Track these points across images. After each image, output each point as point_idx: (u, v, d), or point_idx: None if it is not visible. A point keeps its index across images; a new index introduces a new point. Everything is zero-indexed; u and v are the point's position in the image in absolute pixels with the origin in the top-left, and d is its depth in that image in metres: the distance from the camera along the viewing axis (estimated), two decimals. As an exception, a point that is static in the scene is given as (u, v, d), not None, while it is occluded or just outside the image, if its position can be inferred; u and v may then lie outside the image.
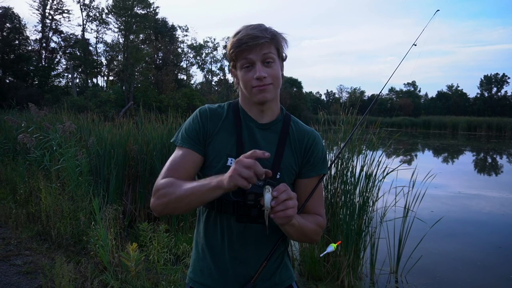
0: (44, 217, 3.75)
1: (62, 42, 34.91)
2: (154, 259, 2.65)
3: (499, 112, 55.68)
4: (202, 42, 48.19)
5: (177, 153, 1.12)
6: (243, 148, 1.09)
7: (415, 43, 1.51)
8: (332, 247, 1.17)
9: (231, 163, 1.08)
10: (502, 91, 69.27)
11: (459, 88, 74.43)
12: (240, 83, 1.10)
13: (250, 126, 1.13)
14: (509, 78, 68.94)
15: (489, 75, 70.21)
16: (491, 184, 9.73)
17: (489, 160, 15.73)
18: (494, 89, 69.62)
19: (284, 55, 1.11)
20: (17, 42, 31.47)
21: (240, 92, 1.15)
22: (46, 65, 33.28)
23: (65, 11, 33.81)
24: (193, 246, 1.20)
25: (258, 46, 1.03)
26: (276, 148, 1.11)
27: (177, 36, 42.92)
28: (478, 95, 70.99)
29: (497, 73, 69.65)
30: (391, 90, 77.65)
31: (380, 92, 1.57)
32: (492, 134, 35.08)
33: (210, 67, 49.95)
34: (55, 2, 33.24)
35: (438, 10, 1.56)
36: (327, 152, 3.58)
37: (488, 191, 8.22)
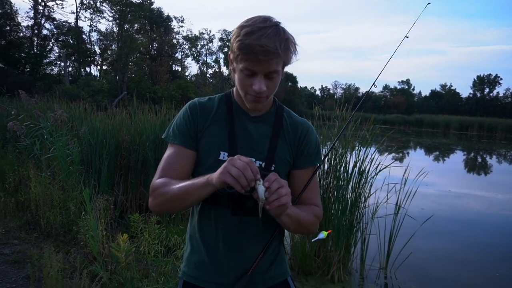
0: (34, 206, 3.70)
1: (54, 30, 34.30)
2: (144, 251, 2.64)
3: (490, 113, 56.30)
4: (197, 34, 47.88)
5: (169, 150, 1.11)
6: (235, 141, 1.07)
7: (407, 35, 1.50)
8: (323, 234, 1.17)
9: (223, 157, 1.06)
10: (494, 92, 70.20)
11: (452, 88, 75.22)
12: (236, 82, 1.06)
13: (242, 119, 1.11)
14: (501, 79, 69.86)
15: (482, 75, 71.01)
16: (480, 183, 9.86)
17: (479, 159, 15.93)
18: (487, 90, 70.43)
19: (288, 64, 1.05)
20: (8, 28, 30.85)
21: (235, 85, 1.12)
22: (38, 52, 32.71)
23: (59, -2, 33.17)
24: (186, 240, 1.18)
25: (267, 61, 0.95)
26: (270, 140, 1.10)
27: (172, 27, 42.56)
28: (471, 95, 71.75)
29: (490, 74, 70.48)
30: (385, 87, 78.09)
31: (370, 88, 1.56)
32: (483, 134, 35.50)
33: (205, 59, 49.70)
34: (48, -12, 32.59)
35: (429, 3, 1.56)
36: (322, 147, 3.59)
37: (477, 191, 8.34)
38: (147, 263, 2.69)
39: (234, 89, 1.15)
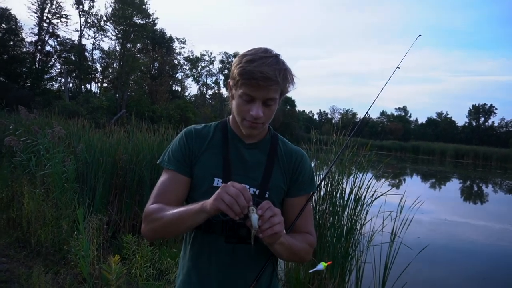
0: (25, 223, 3.64)
1: (58, 46, 34.79)
2: (136, 273, 2.59)
3: (486, 142, 56.80)
4: (198, 55, 48.59)
5: (164, 176, 1.12)
6: (230, 168, 1.08)
7: (398, 66, 1.56)
8: (322, 265, 1.15)
9: (217, 183, 1.07)
10: (490, 121, 70.98)
11: (448, 116, 76.03)
12: (234, 107, 1.08)
13: (237, 146, 1.13)
14: (496, 109, 70.79)
15: (477, 105, 71.98)
16: (477, 212, 9.83)
17: (475, 188, 15.94)
18: (482, 119, 71.27)
19: (285, 93, 1.09)
20: (11, 43, 31.26)
21: (232, 112, 1.14)
22: (39, 68, 33.03)
23: (63, 16, 33.83)
24: (179, 268, 1.17)
25: (266, 88, 1.00)
26: (265, 167, 1.11)
27: (174, 47, 43.19)
28: (467, 124, 72.51)
29: (485, 104, 71.48)
30: (383, 113, 78.93)
31: (364, 115, 1.59)
32: (479, 162, 35.67)
33: (205, 80, 50.20)
34: (53, 7, 33.28)
35: (419, 35, 1.62)
36: (318, 172, 3.60)
37: (473, 220, 8.30)
38: (138, 286, 2.63)
39: (231, 117, 1.17)
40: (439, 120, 75.72)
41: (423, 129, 73.00)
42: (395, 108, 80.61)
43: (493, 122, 71.07)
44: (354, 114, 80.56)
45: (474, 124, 71.48)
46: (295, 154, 1.17)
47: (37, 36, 33.13)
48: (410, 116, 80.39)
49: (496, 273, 4.96)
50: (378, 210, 3.49)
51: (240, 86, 1.02)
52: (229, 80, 1.10)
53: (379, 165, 4.00)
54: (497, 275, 4.88)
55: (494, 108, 70.73)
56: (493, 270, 5.06)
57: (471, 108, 72.28)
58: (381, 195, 3.46)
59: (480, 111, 71.24)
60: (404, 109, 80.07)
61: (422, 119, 76.54)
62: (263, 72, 0.97)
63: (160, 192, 1.09)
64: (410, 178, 17.06)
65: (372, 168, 3.84)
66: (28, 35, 33.55)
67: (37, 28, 32.95)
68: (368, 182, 3.45)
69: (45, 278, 2.35)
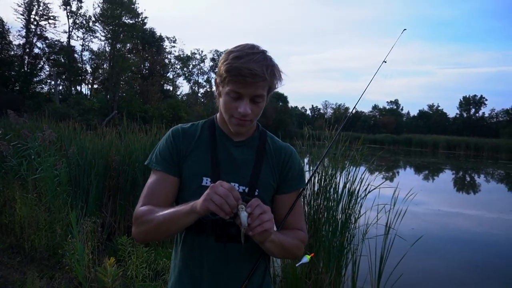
0: (18, 228, 3.60)
1: (46, 48, 34.37)
2: (132, 275, 2.58)
3: (477, 133, 57.39)
4: (189, 54, 48.37)
5: (152, 177, 1.11)
6: (218, 167, 1.07)
7: (385, 60, 1.57)
8: (306, 258, 1.15)
9: (206, 183, 1.06)
10: (480, 112, 71.79)
11: (439, 108, 76.71)
12: (221, 105, 1.07)
13: (225, 144, 1.11)
14: (486, 100, 71.59)
15: (467, 96, 72.74)
16: (469, 202, 9.96)
17: (468, 178, 16.14)
18: (473, 110, 72.05)
19: (273, 90, 1.08)
20: (-1, 46, 30.82)
21: (219, 110, 1.13)
22: (28, 70, 32.61)
23: (51, 17, 33.41)
24: (171, 269, 1.17)
25: (254, 84, 0.99)
26: (254, 165, 1.11)
27: (164, 47, 42.96)
28: (458, 115, 73.27)
29: (475, 95, 72.25)
30: (375, 107, 79.38)
31: (353, 108, 1.60)
32: (471, 153, 36.09)
33: (196, 79, 50.08)
34: (41, 8, 32.84)
35: (405, 29, 1.63)
36: (311, 168, 3.61)
37: (466, 209, 8.41)
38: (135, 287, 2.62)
39: (218, 114, 1.16)
40: (431, 112, 76.37)
41: (415, 122, 73.61)
42: (387, 102, 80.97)
43: (483, 113, 71.99)
44: (347, 109, 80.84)
45: (465, 115, 72.27)
46: (284, 151, 1.17)
47: (25, 39, 32.70)
48: (402, 109, 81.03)
49: (488, 260, 5.04)
50: (372, 203, 3.52)
51: (227, 83, 1.01)
52: (215, 78, 1.09)
53: (372, 159, 4.02)
54: (490, 262, 4.96)
55: (484, 99, 71.59)
56: (486, 258, 5.14)
57: (462, 99, 73.06)
58: (375, 188, 3.48)
59: (470, 103, 72.01)
60: (396, 102, 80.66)
61: (414, 112, 77.18)
62: (250, 69, 0.96)
63: (149, 194, 1.08)
64: (403, 171, 17.21)
65: (365, 162, 3.86)
66: (16, 38, 33.03)
67: (24, 30, 32.52)
68: (362, 175, 3.47)
69: (39, 283, 2.33)
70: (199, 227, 1.04)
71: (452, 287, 4.02)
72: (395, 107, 79.77)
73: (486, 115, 71.56)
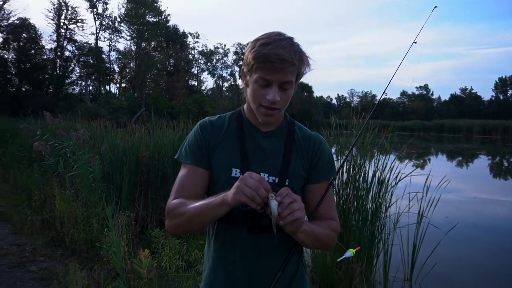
0: (58, 223, 3.80)
1: (76, 51, 35.73)
2: (166, 266, 2.66)
3: (515, 115, 54.45)
4: (212, 49, 48.66)
5: (183, 170, 1.12)
6: (248, 158, 1.06)
7: (415, 41, 1.49)
8: (350, 252, 1.13)
9: (236, 174, 1.05)
10: (518, 93, 67.87)
11: (473, 91, 73.17)
12: (249, 94, 1.06)
13: (253, 135, 1.11)
14: (524, 80, 67.55)
15: (504, 77, 68.89)
16: (507, 189, 9.51)
17: (505, 164, 15.39)
18: (510, 92, 68.26)
19: (301, 76, 1.06)
20: (33, 51, 32.28)
21: (247, 101, 1.12)
22: (60, 73, 34.02)
23: (79, 21, 34.64)
24: (204, 261, 1.18)
25: (283, 70, 0.97)
26: (283, 155, 1.09)
27: (188, 42, 43.47)
28: (493, 98, 69.63)
29: (512, 75, 68.33)
30: (403, 93, 76.82)
31: (382, 94, 1.53)
32: (508, 137, 34.29)
33: (220, 73, 50.37)
34: (69, 12, 34.06)
35: (436, 7, 1.54)
36: (339, 157, 3.56)
37: (504, 196, 8.03)
38: (169, 278, 2.71)
39: (245, 105, 1.16)
40: (464, 96, 73.03)
41: (446, 107, 70.71)
42: (416, 87, 78.06)
43: (521, 94, 67.98)
44: (374, 96, 78.73)
45: (501, 97, 68.56)
46: (313, 140, 1.15)
47: (56, 43, 34.09)
48: (432, 94, 77.97)
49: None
50: (403, 192, 3.44)
51: (255, 70, 0.99)
52: (242, 68, 1.08)
53: (402, 147, 3.92)
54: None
55: (522, 79, 67.55)
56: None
57: (497, 81, 69.27)
58: (405, 176, 3.40)
59: (507, 84, 68.17)
60: (425, 87, 77.65)
61: (445, 97, 74.09)
62: (278, 54, 0.95)
63: (180, 187, 1.08)
64: (435, 158, 16.64)
65: (395, 150, 3.77)
66: (48, 42, 34.54)
67: (55, 34, 33.89)
68: (391, 164, 3.39)
69: (80, 274, 2.46)
70: (230, 219, 1.04)
71: (489, 276, 3.88)
72: (424, 92, 76.90)
73: (525, 96, 67.60)
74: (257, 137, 1.10)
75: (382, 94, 1.54)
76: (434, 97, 77.94)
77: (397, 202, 3.41)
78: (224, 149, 1.09)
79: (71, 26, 34.57)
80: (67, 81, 34.72)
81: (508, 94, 68.15)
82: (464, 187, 8.50)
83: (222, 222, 1.07)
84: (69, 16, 34.23)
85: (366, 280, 3.20)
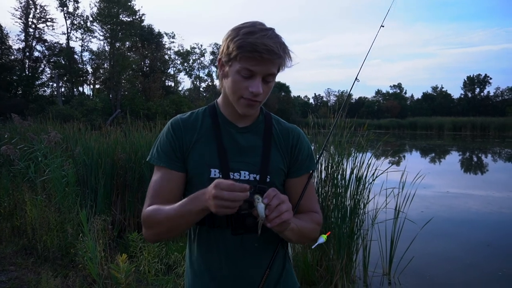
0: (30, 230, 3.65)
1: (46, 51, 34.43)
2: (144, 270, 2.60)
3: (482, 112, 56.77)
4: (189, 49, 48.15)
5: (156, 174, 1.05)
6: (226, 156, 1.02)
7: (382, 25, 1.50)
8: (322, 238, 1.11)
9: (215, 174, 1.01)
10: (485, 91, 70.92)
11: (443, 89, 75.88)
12: (229, 85, 1.00)
13: (230, 131, 1.06)
14: (491, 78, 70.63)
15: (471, 76, 71.80)
16: (477, 182, 9.90)
17: (475, 159, 16.02)
18: (477, 90, 71.18)
19: (282, 70, 1.03)
20: (-1, 51, 30.92)
21: (223, 93, 1.07)
22: (30, 74, 32.72)
23: (49, 20, 33.38)
24: (186, 266, 1.13)
25: (269, 62, 0.93)
26: (262, 151, 1.05)
27: (163, 43, 42.78)
28: (462, 96, 72.45)
29: (479, 74, 71.29)
30: (378, 92, 78.75)
31: (350, 90, 1.55)
32: (477, 133, 35.81)
33: (197, 73, 49.91)
34: (38, 11, 32.80)
35: None
36: (317, 155, 3.59)
37: (475, 190, 8.36)
38: (148, 282, 2.65)
39: (220, 99, 1.11)
40: (435, 94, 75.59)
41: (419, 105, 72.93)
42: (390, 86, 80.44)
43: (488, 92, 71.08)
44: (350, 95, 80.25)
45: (470, 95, 71.42)
46: (292, 133, 1.12)
47: (24, 43, 32.75)
48: (405, 93, 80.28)
49: (499, 239, 5.03)
50: (380, 188, 3.51)
51: (239, 60, 0.93)
52: (219, 57, 1.01)
53: (378, 144, 4.00)
54: (500, 241, 4.94)
55: (488, 78, 70.61)
56: (497, 237, 5.12)
57: (466, 79, 72.10)
58: (382, 173, 3.47)
59: (475, 82, 71.10)
60: (399, 86, 79.89)
61: (417, 95, 76.51)
62: (266, 45, 0.90)
63: (154, 193, 1.02)
64: (409, 154, 17.13)
65: (371, 148, 3.84)
66: (15, 42, 33.19)
67: (23, 34, 32.55)
68: (368, 161, 3.45)
69: (54, 282, 2.36)
70: (213, 222, 1.01)
71: (464, 268, 4.02)
72: (398, 91, 79.06)
73: (491, 94, 70.73)
74: (233, 134, 1.06)
75: (350, 90, 1.55)
76: (407, 95, 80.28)
77: (374, 198, 3.47)
78: (200, 148, 1.04)
79: (40, 26, 33.30)
80: (37, 82, 33.43)
81: (476, 92, 71.07)
82: (437, 183, 8.79)
83: (204, 225, 1.03)
84: (38, 15, 32.96)
85: (346, 276, 3.24)
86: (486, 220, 5.98)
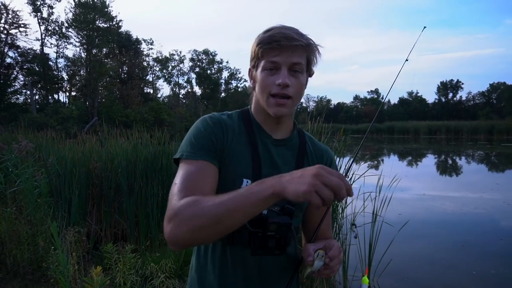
0: (-1, 244, 3.48)
1: (19, 58, 33.31)
2: (120, 282, 2.52)
3: (456, 116, 58.97)
4: (168, 55, 47.79)
5: (189, 168, 0.90)
6: (260, 168, 0.95)
7: (407, 59, 1.50)
8: (365, 286, 1.05)
9: (246, 185, 0.94)
10: (458, 96, 73.66)
11: (418, 94, 78.22)
12: (257, 87, 0.97)
13: (264, 142, 0.99)
14: (463, 84, 73.57)
15: (445, 81, 74.47)
16: (452, 184, 10.20)
17: (450, 161, 16.53)
18: (450, 94, 73.83)
19: (312, 70, 0.99)
20: (-32, 58, 29.76)
21: (254, 99, 1.02)
22: (1, 81, 31.61)
23: (22, 25, 32.39)
24: (193, 280, 1.03)
25: (290, 49, 0.90)
26: (295, 168, 0.98)
27: (142, 49, 42.30)
28: (436, 101, 74.92)
29: (452, 79, 74.14)
30: (356, 97, 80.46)
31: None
32: (451, 136, 37.07)
33: (177, 80, 49.52)
34: (10, 16, 31.80)
35: (425, 27, 1.56)
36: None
37: (450, 192, 8.60)
38: (124, 295, 2.57)
39: (252, 106, 1.05)
40: (411, 99, 77.79)
41: (396, 110, 74.87)
42: (368, 91, 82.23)
43: (461, 96, 73.99)
44: (329, 101, 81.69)
45: (443, 100, 73.97)
46: (326, 154, 1.08)
47: (-5, 49, 31.64)
48: (382, 98, 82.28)
49: (474, 239, 5.19)
50: (358, 192, 3.55)
51: (262, 56, 0.93)
52: (249, 68, 1.02)
53: (356, 148, 4.05)
54: (475, 241, 5.10)
55: (461, 83, 73.41)
56: (472, 237, 5.28)
57: (439, 85, 74.74)
58: (359, 177, 3.51)
59: (448, 87, 73.74)
60: (376, 91, 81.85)
61: (394, 100, 78.36)
62: (283, 33, 0.91)
63: (189, 185, 0.85)
64: (387, 158, 17.49)
65: (349, 152, 3.89)
66: (-15, 49, 31.93)
67: (-6, 40, 31.45)
68: (346, 165, 3.49)
69: (24, 298, 2.26)
70: (232, 239, 0.92)
71: (442, 268, 4.11)
72: (375, 96, 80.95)
73: (464, 98, 73.61)
74: (268, 145, 1.00)
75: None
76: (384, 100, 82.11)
77: (352, 202, 3.51)
78: (236, 155, 0.96)
79: (13, 31, 32.26)
80: (9, 90, 32.31)
81: (449, 97, 73.64)
82: (414, 185, 8.99)
83: (220, 241, 0.95)
84: (10, 20, 31.95)
85: (326, 281, 3.25)
86: (461, 221, 6.16)
